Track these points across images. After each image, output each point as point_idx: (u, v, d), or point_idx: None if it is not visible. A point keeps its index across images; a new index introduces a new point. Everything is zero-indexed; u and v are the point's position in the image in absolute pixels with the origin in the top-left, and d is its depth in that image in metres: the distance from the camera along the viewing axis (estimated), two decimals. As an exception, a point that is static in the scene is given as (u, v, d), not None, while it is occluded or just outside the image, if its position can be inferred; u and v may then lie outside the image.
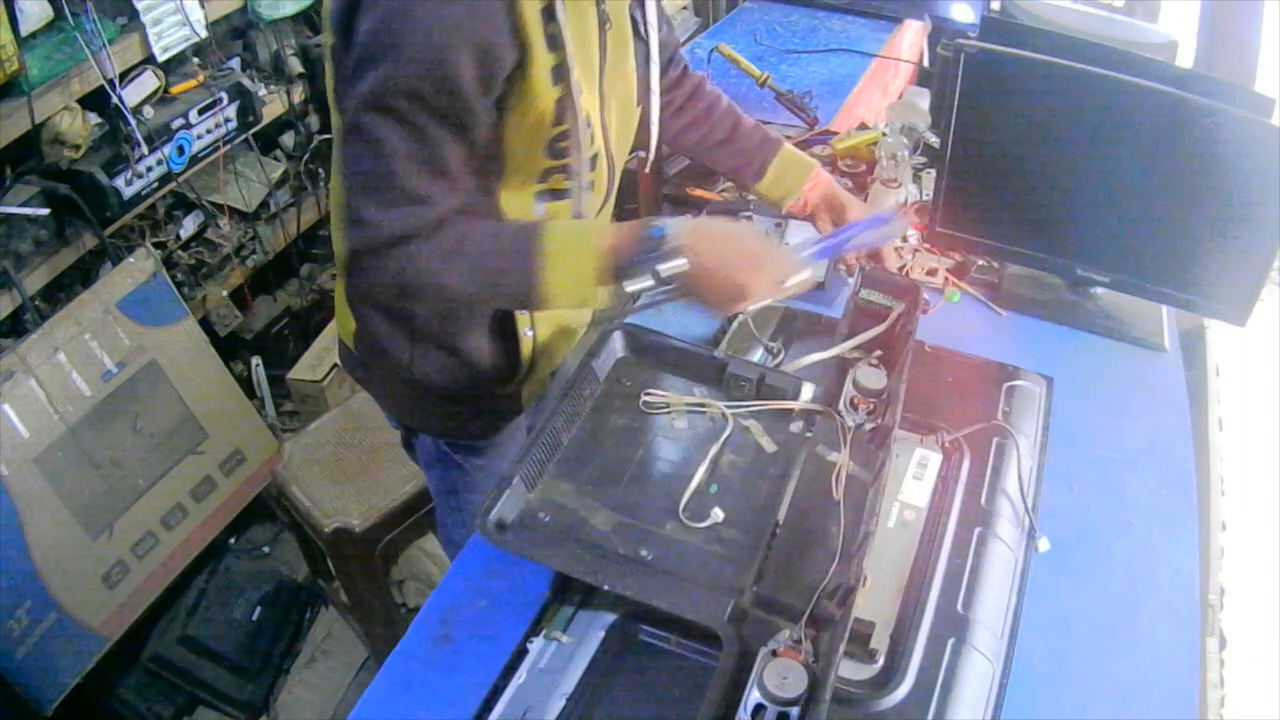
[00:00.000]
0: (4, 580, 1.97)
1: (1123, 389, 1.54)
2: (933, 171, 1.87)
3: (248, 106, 2.43)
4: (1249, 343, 2.01)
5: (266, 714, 2.30)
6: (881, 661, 1.07)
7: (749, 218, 1.73)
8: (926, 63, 2.81)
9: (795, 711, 0.91)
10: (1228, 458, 1.82)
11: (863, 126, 2.08)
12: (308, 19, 2.64)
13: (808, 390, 1.31)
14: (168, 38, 2.19)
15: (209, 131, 2.36)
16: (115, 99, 2.08)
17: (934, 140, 1.94)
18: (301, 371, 2.67)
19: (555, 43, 1.08)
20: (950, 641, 1.09)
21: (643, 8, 1.27)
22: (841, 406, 1.30)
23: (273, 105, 2.57)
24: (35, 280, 2.09)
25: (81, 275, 2.26)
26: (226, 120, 2.40)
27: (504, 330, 1.33)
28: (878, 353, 1.38)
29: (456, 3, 1.00)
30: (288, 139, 2.78)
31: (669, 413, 1.29)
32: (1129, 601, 1.21)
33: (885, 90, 2.73)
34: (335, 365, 2.67)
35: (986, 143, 1.59)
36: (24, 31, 1.89)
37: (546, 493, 1.17)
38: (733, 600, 1.04)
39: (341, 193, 1.10)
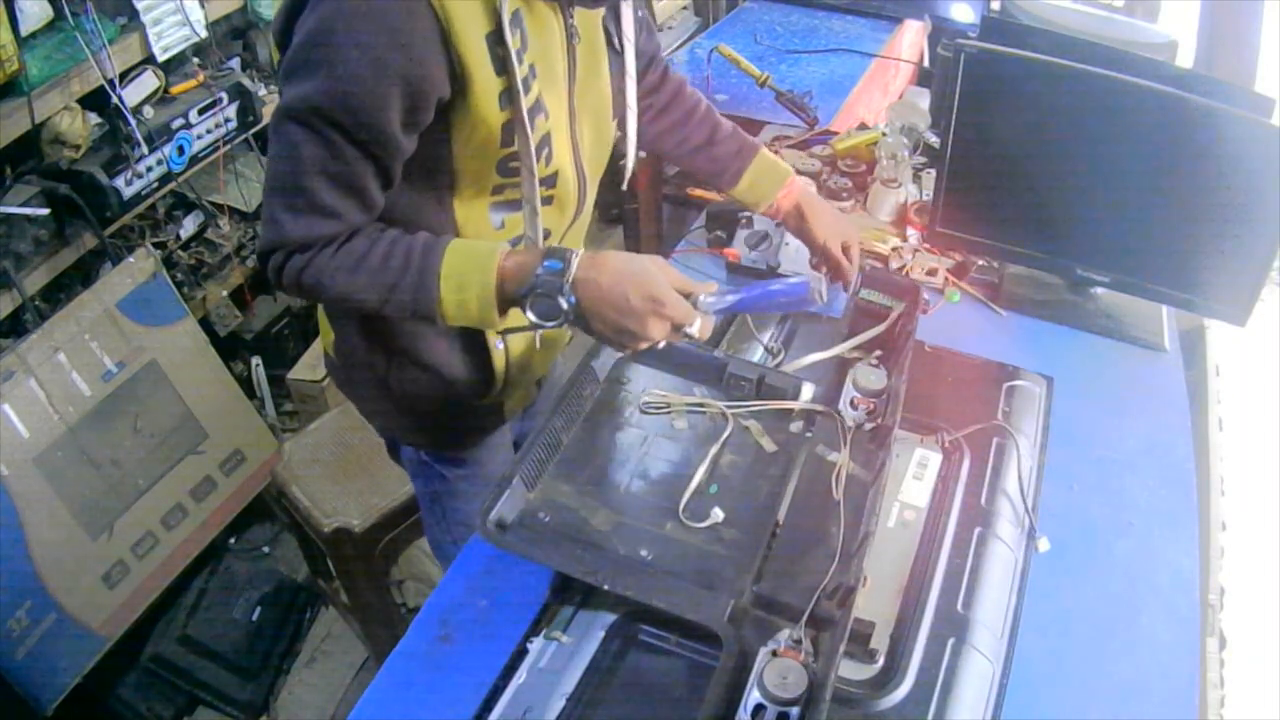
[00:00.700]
0: (4, 580, 1.96)
1: (1123, 389, 1.54)
2: (933, 171, 1.87)
3: (248, 106, 2.43)
4: (1249, 343, 2.01)
5: (266, 714, 2.30)
6: (881, 661, 1.07)
7: (749, 219, 1.74)
8: (926, 63, 2.82)
9: (795, 711, 0.91)
10: (1228, 458, 1.82)
11: (863, 126, 2.08)
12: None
13: (808, 390, 1.31)
14: (168, 38, 2.19)
15: (209, 131, 2.36)
16: (115, 99, 2.08)
17: (934, 140, 1.95)
18: (301, 371, 2.67)
19: (504, 67, 1.05)
20: (950, 641, 1.09)
21: (618, 20, 1.22)
22: (841, 406, 1.30)
23: (272, 105, 2.57)
24: (35, 280, 2.09)
25: (81, 275, 2.26)
26: (226, 120, 2.40)
27: (473, 343, 1.31)
28: (878, 353, 1.38)
29: (385, 32, 0.97)
30: (288, 139, 2.78)
31: (669, 413, 1.29)
32: (1129, 601, 1.21)
33: (885, 90, 2.73)
34: (335, 365, 2.67)
35: (986, 143, 1.59)
36: (24, 31, 1.89)
37: (546, 493, 1.17)
38: (733, 600, 1.04)
39: (264, 190, 1.12)
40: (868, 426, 1.28)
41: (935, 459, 1.32)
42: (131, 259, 2.27)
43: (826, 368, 1.41)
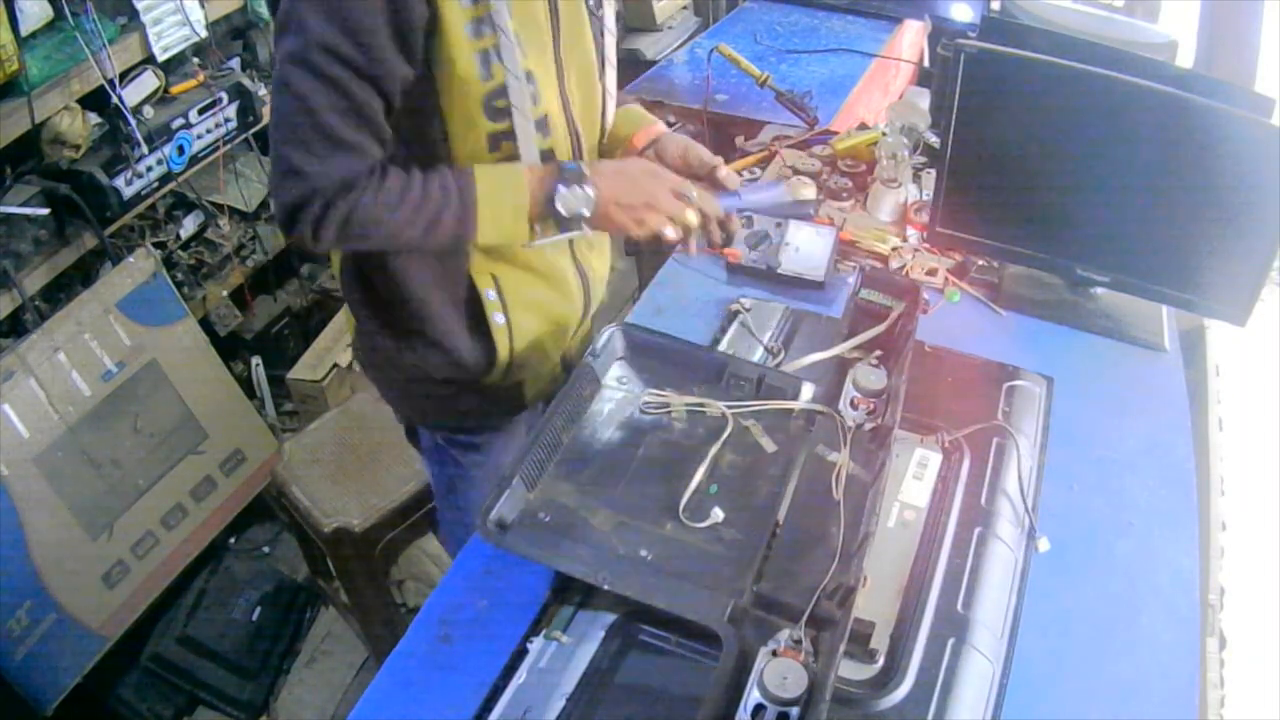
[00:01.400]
0: (4, 580, 1.96)
1: (1123, 389, 1.54)
2: (933, 171, 1.87)
3: (248, 106, 2.43)
4: (1249, 343, 2.01)
5: (266, 714, 2.30)
6: (881, 661, 1.07)
7: (749, 219, 1.74)
8: (926, 63, 2.81)
9: (795, 711, 0.91)
10: (1228, 458, 1.82)
11: (863, 126, 2.08)
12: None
13: (808, 390, 1.31)
14: (168, 38, 2.19)
15: (209, 131, 2.36)
16: (115, 99, 2.08)
17: (934, 140, 1.95)
18: (301, 371, 2.67)
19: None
20: (950, 641, 1.09)
21: None
22: (841, 406, 1.30)
23: (273, 105, 2.57)
24: (35, 280, 2.09)
25: (81, 275, 2.26)
26: (226, 120, 2.40)
27: (474, 317, 1.34)
28: (878, 353, 1.38)
29: None
30: (288, 139, 2.78)
31: (669, 413, 1.29)
32: (1129, 601, 1.21)
33: (885, 90, 2.73)
34: (335, 365, 2.67)
35: (986, 143, 1.59)
36: (24, 31, 1.89)
37: (546, 493, 1.17)
38: (733, 600, 1.04)
39: (273, 150, 1.12)
40: (868, 426, 1.28)
41: (935, 459, 1.32)
42: (131, 259, 2.27)
43: (826, 368, 1.41)
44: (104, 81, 2.05)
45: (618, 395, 1.31)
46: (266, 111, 2.53)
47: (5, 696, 1.98)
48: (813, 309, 1.64)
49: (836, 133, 2.14)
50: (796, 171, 1.99)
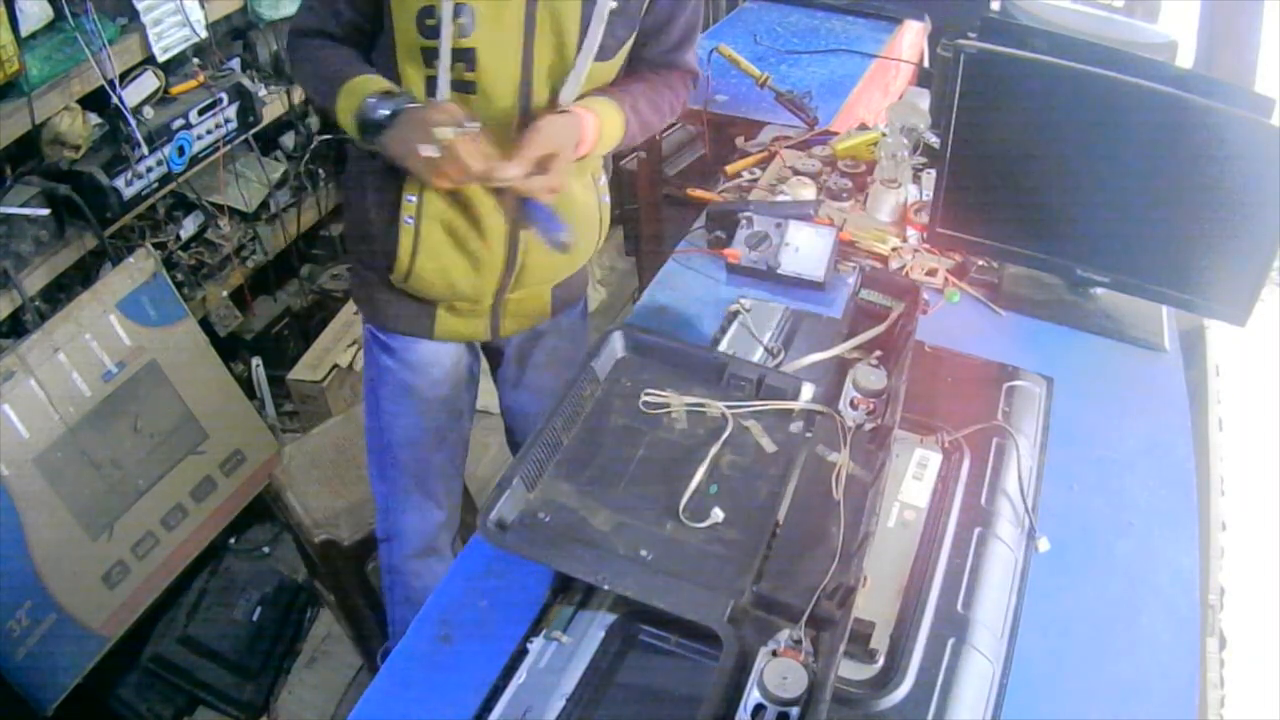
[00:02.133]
0: (4, 580, 1.96)
1: (1123, 389, 1.54)
2: (933, 171, 1.87)
3: (248, 107, 2.43)
4: (1249, 343, 2.01)
5: (266, 714, 2.30)
6: (881, 661, 1.07)
7: (749, 218, 1.74)
8: (926, 63, 2.81)
9: (795, 711, 0.91)
10: (1228, 458, 1.82)
11: (863, 126, 2.08)
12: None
13: (808, 390, 1.31)
14: (168, 38, 2.19)
15: (209, 132, 2.36)
16: (115, 99, 2.08)
17: (934, 140, 1.95)
18: (301, 372, 2.67)
19: None
20: (950, 641, 1.09)
21: None
22: (841, 406, 1.30)
23: (273, 106, 2.57)
24: (35, 280, 2.09)
25: (81, 275, 2.26)
26: (226, 120, 2.40)
27: (394, 217, 1.47)
28: (878, 353, 1.38)
29: None
30: (288, 139, 2.78)
31: (669, 413, 1.29)
32: (1129, 601, 1.21)
33: (885, 90, 2.73)
34: (335, 366, 2.67)
35: (986, 143, 1.59)
36: (24, 31, 1.89)
37: (546, 493, 1.17)
38: (733, 600, 1.04)
39: None
40: (868, 426, 1.28)
41: (935, 459, 1.32)
42: (131, 259, 2.27)
43: (826, 368, 1.41)
44: (104, 82, 2.05)
45: (618, 395, 1.31)
46: (266, 112, 2.53)
47: (5, 696, 1.98)
48: (813, 309, 1.64)
49: (836, 133, 2.15)
50: (797, 172, 1.99)
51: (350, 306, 2.84)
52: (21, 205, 2.00)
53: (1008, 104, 1.55)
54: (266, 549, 2.60)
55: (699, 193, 2.01)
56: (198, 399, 2.38)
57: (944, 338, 1.56)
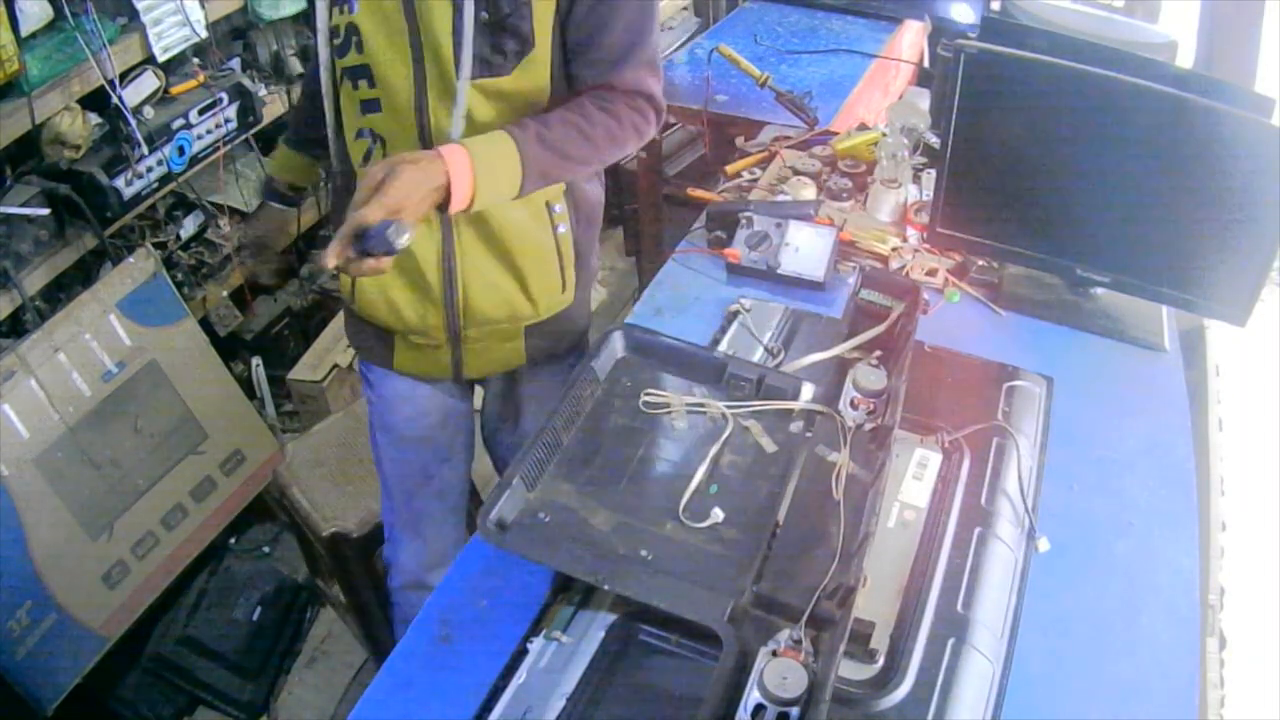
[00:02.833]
0: (4, 580, 1.96)
1: (1123, 389, 1.54)
2: (933, 171, 1.87)
3: (248, 107, 2.43)
4: (1249, 343, 2.00)
5: (266, 714, 2.30)
6: (881, 661, 1.07)
7: (749, 218, 1.74)
8: (926, 63, 2.81)
9: (795, 711, 0.91)
10: (1228, 458, 1.82)
11: (863, 126, 2.08)
12: (308, 19, 2.64)
13: (808, 390, 1.31)
14: (168, 38, 2.19)
15: (209, 132, 2.36)
16: (115, 99, 2.08)
17: (934, 140, 1.95)
18: (301, 372, 2.67)
19: None
20: (950, 641, 1.09)
21: None
22: (841, 406, 1.30)
23: (273, 105, 2.57)
24: (35, 280, 2.09)
25: (81, 275, 2.26)
26: (226, 120, 2.39)
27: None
28: (878, 353, 1.38)
29: None
30: (288, 139, 2.77)
31: (669, 413, 1.29)
32: (1129, 601, 1.21)
33: (885, 90, 2.73)
34: (335, 366, 2.67)
35: (986, 143, 1.59)
36: (24, 31, 1.89)
37: (546, 493, 1.17)
38: (733, 600, 1.04)
39: None
40: (868, 426, 1.28)
41: (935, 459, 1.32)
42: (131, 259, 2.27)
43: (826, 368, 1.41)
44: (104, 82, 2.05)
45: (618, 395, 1.31)
46: (266, 112, 2.53)
47: (5, 696, 1.97)
48: (813, 309, 1.64)
49: (836, 133, 2.14)
50: (797, 172, 1.99)
51: (350, 306, 2.84)
52: (21, 205, 1.99)
53: (1008, 104, 1.55)
54: (266, 549, 2.60)
55: (699, 193, 2.01)
56: (198, 399, 2.38)
57: (944, 338, 1.56)
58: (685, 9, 3.51)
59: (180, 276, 2.47)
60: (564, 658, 1.10)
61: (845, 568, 1.06)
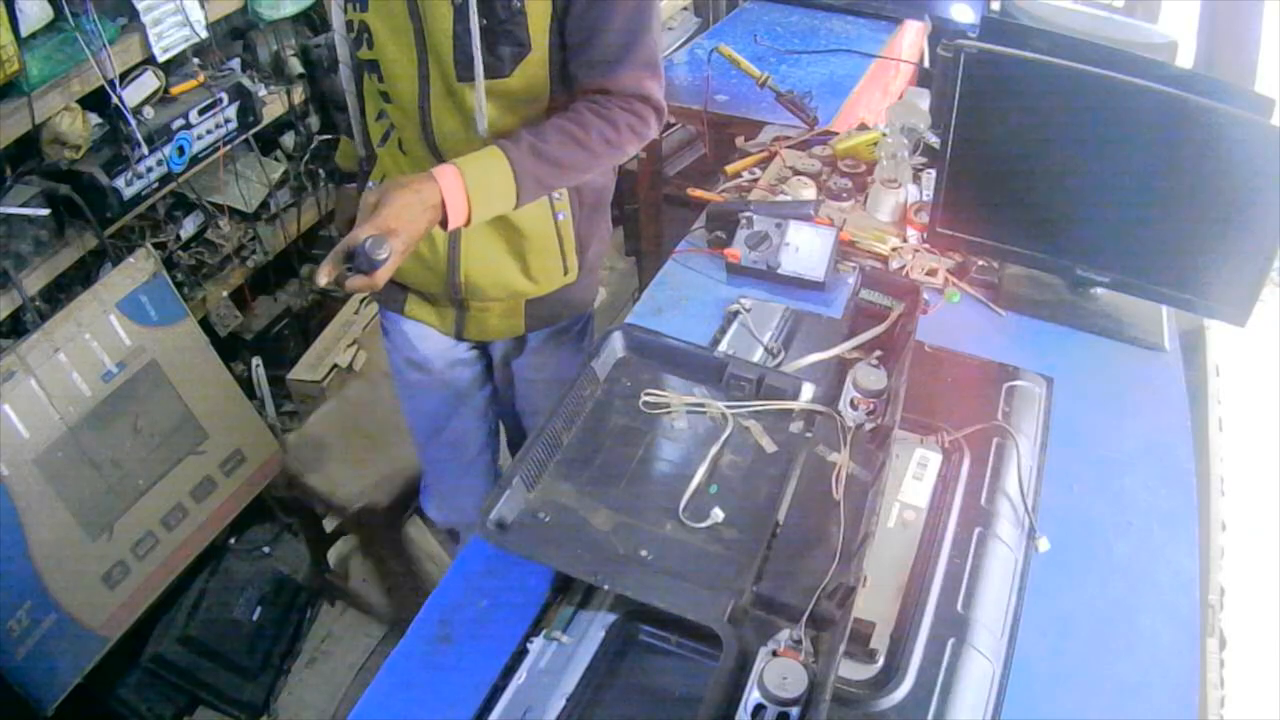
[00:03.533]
0: (4, 580, 1.96)
1: (1123, 389, 1.54)
2: (933, 171, 1.87)
3: (248, 107, 2.43)
4: (1249, 343, 2.00)
5: (266, 714, 2.30)
6: (881, 661, 1.07)
7: (749, 218, 1.74)
8: (926, 63, 2.82)
9: (795, 711, 0.91)
10: (1228, 458, 1.82)
11: (863, 126, 2.08)
12: (308, 19, 2.64)
13: (808, 390, 1.31)
14: (168, 38, 2.19)
15: (209, 132, 2.36)
16: (115, 99, 2.08)
17: (934, 140, 1.95)
18: (301, 372, 2.67)
19: None
20: (950, 641, 1.09)
21: None
22: (841, 406, 1.30)
23: (273, 106, 2.57)
24: (35, 280, 2.08)
25: (81, 275, 2.26)
26: (226, 120, 2.39)
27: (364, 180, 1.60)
28: (878, 353, 1.38)
29: None
30: (288, 139, 2.78)
31: (669, 413, 1.29)
32: (1129, 601, 1.21)
33: (885, 90, 2.73)
34: (335, 366, 2.67)
35: (986, 143, 1.59)
36: (24, 31, 1.88)
37: (546, 493, 1.17)
38: (733, 600, 1.04)
39: None
40: (868, 426, 1.28)
41: (935, 459, 1.32)
42: (131, 259, 2.27)
43: (826, 368, 1.42)
44: (104, 82, 2.05)
45: (618, 395, 1.31)
46: (266, 112, 2.53)
47: (5, 696, 1.97)
48: (813, 309, 1.64)
49: (836, 133, 2.14)
50: (797, 172, 1.99)
51: (350, 306, 2.84)
52: (21, 205, 1.99)
53: (1008, 104, 1.55)
54: (266, 549, 2.60)
55: (699, 193, 2.01)
56: (198, 399, 2.38)
57: (944, 338, 1.56)
58: (685, 9, 3.51)
59: (180, 276, 2.46)
60: (564, 658, 1.10)
61: (845, 568, 1.06)
